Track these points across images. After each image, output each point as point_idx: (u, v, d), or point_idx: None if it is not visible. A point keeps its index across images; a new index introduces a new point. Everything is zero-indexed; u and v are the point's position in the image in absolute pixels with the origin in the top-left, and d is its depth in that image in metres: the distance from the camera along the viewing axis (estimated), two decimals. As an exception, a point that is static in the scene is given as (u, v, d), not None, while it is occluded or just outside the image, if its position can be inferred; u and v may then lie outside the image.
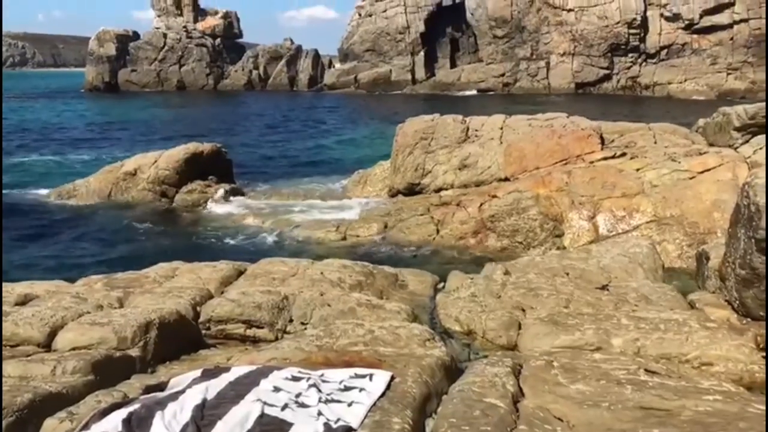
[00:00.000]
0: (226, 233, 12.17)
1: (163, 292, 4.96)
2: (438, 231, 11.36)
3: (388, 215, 12.34)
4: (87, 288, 5.30)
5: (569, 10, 49.11)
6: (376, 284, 5.31)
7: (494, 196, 11.59)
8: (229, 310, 4.39)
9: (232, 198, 14.71)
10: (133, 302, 4.78)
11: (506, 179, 12.67)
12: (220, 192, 14.70)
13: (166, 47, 65.75)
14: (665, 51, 47.16)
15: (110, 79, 64.25)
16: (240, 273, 5.62)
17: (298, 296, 4.56)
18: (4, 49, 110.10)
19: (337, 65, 65.48)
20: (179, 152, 15.27)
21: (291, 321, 4.44)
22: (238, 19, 71.78)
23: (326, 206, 14.19)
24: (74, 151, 24.04)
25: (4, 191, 14.63)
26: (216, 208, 14.04)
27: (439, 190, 13.22)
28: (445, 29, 58.99)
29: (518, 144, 13.11)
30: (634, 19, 46.80)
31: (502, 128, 13.79)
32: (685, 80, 45.72)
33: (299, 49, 66.52)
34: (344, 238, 11.74)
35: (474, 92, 52.27)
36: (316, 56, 66.64)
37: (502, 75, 52.51)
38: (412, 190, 13.50)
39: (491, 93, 51.31)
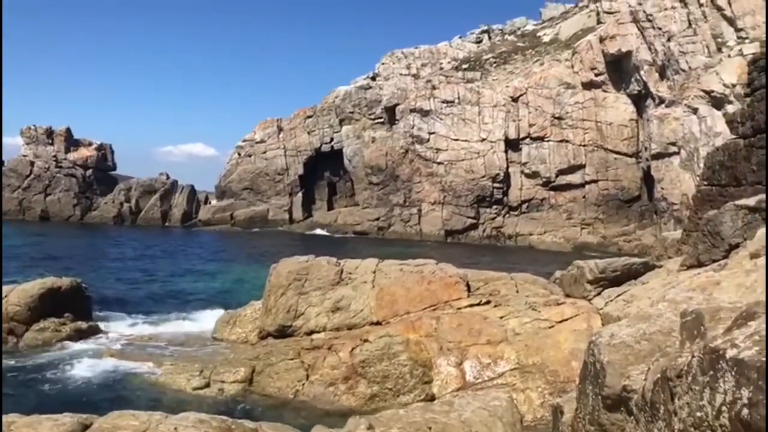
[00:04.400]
0: (78, 378, 11.22)
1: (-7, 450, 4.44)
2: (308, 376, 11.08)
3: (257, 359, 11.94)
4: None
5: (439, 163, 52.44)
6: (235, 439, 5.03)
7: (366, 341, 11.56)
8: (68, 471, 3.98)
9: (88, 338, 13.76)
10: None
11: (378, 323, 12.74)
12: (74, 331, 13.74)
13: (32, 175, 63.21)
14: (526, 204, 50.91)
15: (-35, 206, 60.38)
16: (85, 427, 5.15)
17: (149, 454, 4.22)
18: None
19: (214, 201, 65.31)
20: (34, 287, 14.29)
21: (139, 482, 4.07)
22: (112, 152, 70.75)
23: (191, 348, 13.55)
24: None
25: None
26: (69, 349, 13.03)
27: (311, 332, 13.03)
28: (324, 173, 61.09)
29: (390, 288, 13.34)
30: (498, 174, 50.61)
31: (375, 272, 14.02)
32: (545, 232, 49.21)
33: (174, 183, 65.93)
34: (208, 384, 11.16)
35: (350, 234, 53.45)
36: (192, 192, 66.22)
37: (377, 219, 54.28)
38: (283, 333, 13.22)
39: (366, 236, 52.66)
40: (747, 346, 2.40)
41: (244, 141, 63.11)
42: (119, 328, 15.44)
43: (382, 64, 63.95)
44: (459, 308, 12.44)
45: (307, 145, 60.10)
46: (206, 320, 16.14)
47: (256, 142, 61.89)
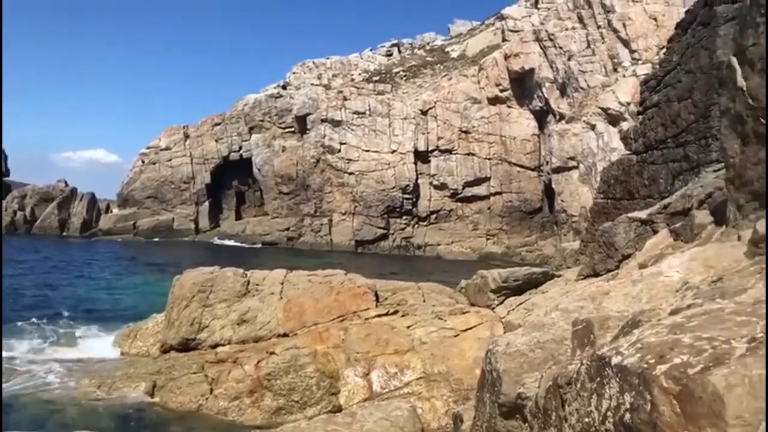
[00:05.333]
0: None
1: None
2: (212, 390, 10.81)
3: (158, 373, 11.56)
4: None
5: (350, 173, 52.62)
6: (132, 457, 4.84)
7: (272, 353, 11.42)
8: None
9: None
10: None
11: (285, 335, 12.61)
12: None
13: None
14: (434, 215, 51.82)
15: None
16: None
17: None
18: None
19: (115, 210, 62.80)
20: None
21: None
22: (5, 157, 66.88)
23: (89, 363, 12.96)
24: None
25: None
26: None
27: (215, 345, 12.74)
28: (232, 182, 59.95)
29: (298, 299, 13.25)
30: (408, 185, 51.30)
31: (282, 283, 13.90)
32: (452, 242, 50.24)
33: (74, 191, 62.89)
34: (106, 399, 10.72)
35: (259, 245, 52.70)
36: (93, 200, 63.36)
37: (287, 229, 53.79)
38: (186, 346, 12.87)
39: (276, 246, 52.08)
40: (630, 353, 2.52)
41: (149, 148, 61.10)
42: (10, 342, 14.55)
43: (293, 73, 63.68)
44: (367, 318, 12.49)
45: (215, 153, 58.87)
46: (106, 334, 15.49)
47: (162, 149, 60.07)
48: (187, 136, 60.08)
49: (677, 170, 13.76)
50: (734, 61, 5.04)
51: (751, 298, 2.69)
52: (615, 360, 2.55)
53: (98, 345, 14.68)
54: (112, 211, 63.24)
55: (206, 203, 58.71)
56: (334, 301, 13.08)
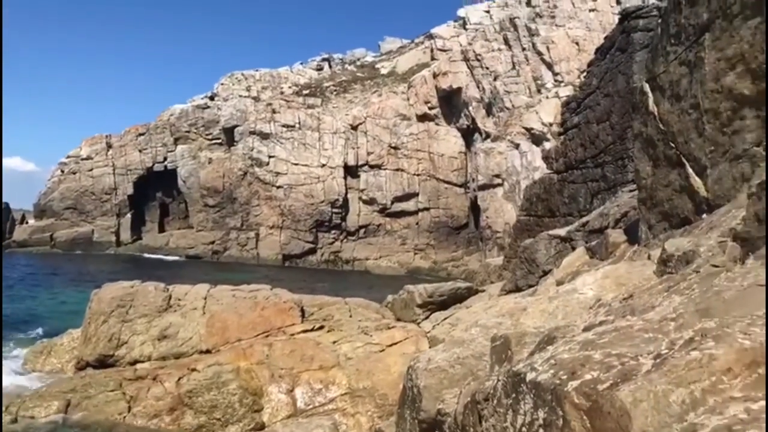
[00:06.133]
0: None
1: None
2: (130, 408, 10.47)
3: (73, 391, 11.09)
4: None
5: (279, 187, 52.15)
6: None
7: (194, 370, 11.15)
8: None
9: None
10: None
11: (208, 351, 12.34)
12: None
13: None
14: (363, 230, 51.90)
15: None
16: None
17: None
18: None
19: (32, 221, 60.07)
20: None
21: None
22: None
23: (-4, 382, 12.30)
24: None
25: None
26: None
27: (134, 362, 12.34)
28: (156, 193, 58.38)
29: (221, 315, 12.99)
30: (337, 199, 51.24)
31: (206, 298, 13.61)
32: (380, 257, 50.41)
33: (-14, 201, 59.84)
34: (15, 420, 10.21)
35: (183, 258, 51.45)
36: (6, 210, 60.26)
37: (212, 243, 52.76)
38: (104, 363, 12.41)
39: (200, 260, 50.98)
40: (544, 370, 2.59)
41: (69, 157, 58.83)
42: None
43: (221, 84, 62.68)
44: (292, 334, 12.36)
45: (139, 164, 57.23)
46: (16, 350, 14.76)
47: (82, 159, 57.95)
48: (109, 146, 58.22)
49: (596, 189, 14.29)
50: (646, 87, 5.30)
51: (658, 316, 2.80)
52: (530, 376, 2.60)
53: (7, 362, 13.97)
54: (27, 222, 60.44)
55: (128, 215, 56.93)
56: (259, 316, 12.89)
